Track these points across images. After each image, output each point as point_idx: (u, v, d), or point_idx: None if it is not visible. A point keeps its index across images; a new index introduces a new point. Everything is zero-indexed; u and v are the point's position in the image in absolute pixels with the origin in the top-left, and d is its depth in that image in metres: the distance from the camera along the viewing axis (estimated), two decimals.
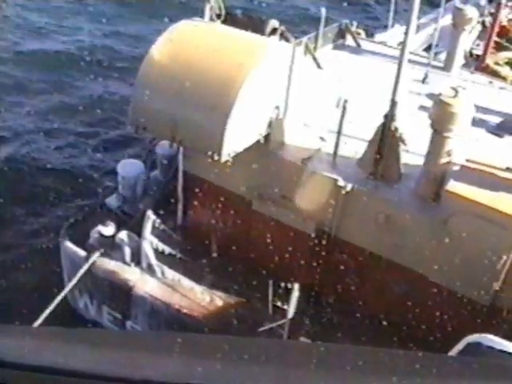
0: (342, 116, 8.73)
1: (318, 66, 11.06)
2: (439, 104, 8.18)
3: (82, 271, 9.81)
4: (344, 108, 8.70)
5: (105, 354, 1.77)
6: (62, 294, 9.74)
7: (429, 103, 10.32)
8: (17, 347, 1.76)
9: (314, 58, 11.00)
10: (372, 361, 1.80)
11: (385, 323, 8.89)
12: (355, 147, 9.10)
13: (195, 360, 1.74)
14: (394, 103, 8.50)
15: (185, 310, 9.39)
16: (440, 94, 8.21)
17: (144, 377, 1.64)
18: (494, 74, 13.73)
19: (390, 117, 8.56)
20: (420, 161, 8.74)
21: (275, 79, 8.72)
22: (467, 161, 8.53)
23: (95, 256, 9.91)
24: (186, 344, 1.81)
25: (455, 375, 1.80)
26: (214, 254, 10.19)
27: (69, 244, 10.25)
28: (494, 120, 10.49)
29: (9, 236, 13.02)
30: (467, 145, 8.90)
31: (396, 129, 8.59)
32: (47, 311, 9.43)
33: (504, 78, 13.46)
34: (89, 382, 1.63)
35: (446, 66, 12.11)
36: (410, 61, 9.04)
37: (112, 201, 10.90)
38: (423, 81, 11.47)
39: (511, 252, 7.97)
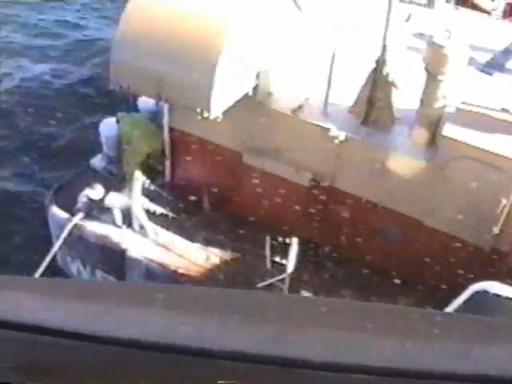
0: (332, 63, 8.46)
1: (299, 8, 10.70)
2: (432, 46, 7.93)
3: (65, 233, 9.61)
4: (333, 54, 8.43)
5: (80, 308, 1.62)
6: (49, 257, 9.57)
7: (415, 43, 10.12)
8: None
9: (294, 0, 10.63)
10: (383, 321, 1.66)
11: (384, 272, 8.84)
12: (345, 94, 8.86)
13: (183, 316, 1.60)
14: (384, 47, 8.25)
15: (181, 270, 9.21)
16: (433, 36, 7.96)
17: (127, 335, 1.48)
18: (475, 8, 13.43)
19: (381, 62, 8.32)
20: (412, 104, 8.54)
21: (260, 26, 8.39)
22: (462, 103, 8.32)
23: (77, 218, 9.68)
24: (173, 298, 1.67)
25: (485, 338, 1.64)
26: (206, 211, 10.00)
27: (56, 209, 9.99)
28: (483, 57, 10.26)
29: None
30: (460, 86, 8.69)
31: (387, 74, 8.37)
32: (36, 275, 9.25)
33: (487, 12, 13.18)
34: (67, 341, 1.46)
35: (429, 3, 11.79)
36: None
37: (97, 161, 10.61)
38: (407, 19, 11.15)
39: (511, 195, 7.88)
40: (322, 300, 1.78)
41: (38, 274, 9.25)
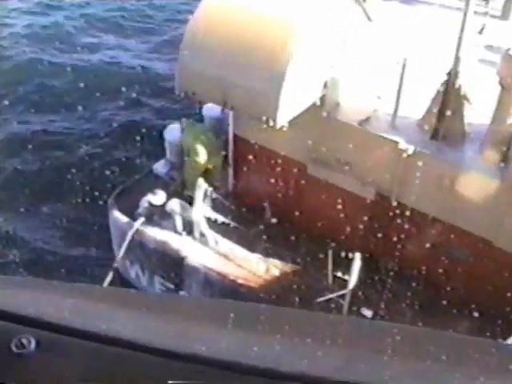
0: (402, 75, 8.23)
1: (369, 18, 10.50)
2: (508, 59, 7.63)
3: (127, 238, 9.60)
4: (404, 66, 8.20)
5: (150, 321, 1.57)
6: (115, 264, 9.60)
7: (488, 56, 9.81)
8: (55, 305, 1.57)
9: (364, 11, 10.43)
10: (459, 352, 1.54)
11: (447, 291, 8.54)
12: (415, 106, 8.62)
13: (252, 336, 1.53)
14: (457, 59, 7.99)
15: (240, 280, 9.10)
16: (509, 49, 7.66)
17: (193, 351, 1.42)
18: None
19: (453, 74, 8.06)
20: (483, 119, 8.25)
21: (328, 36, 8.23)
22: None
23: (138, 223, 9.67)
24: (244, 316, 1.60)
25: None
26: (268, 221, 9.86)
27: (117, 213, 9.99)
28: None
29: (56, 206, 12.81)
30: None
31: (460, 86, 8.10)
32: (106, 282, 9.22)
33: None
34: (130, 352, 1.42)
35: (504, 15, 11.43)
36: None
37: (160, 167, 10.59)
38: (480, 31, 10.83)
39: None
40: (398, 327, 1.67)
41: (107, 281, 9.26)
